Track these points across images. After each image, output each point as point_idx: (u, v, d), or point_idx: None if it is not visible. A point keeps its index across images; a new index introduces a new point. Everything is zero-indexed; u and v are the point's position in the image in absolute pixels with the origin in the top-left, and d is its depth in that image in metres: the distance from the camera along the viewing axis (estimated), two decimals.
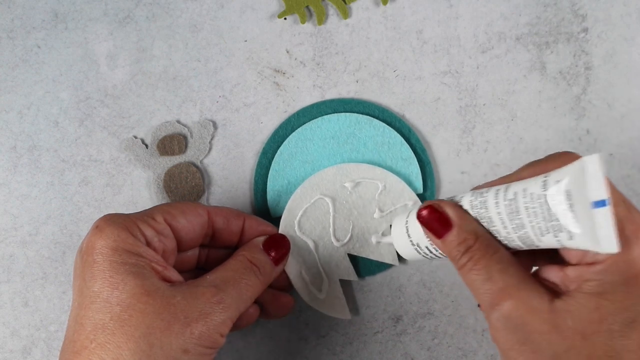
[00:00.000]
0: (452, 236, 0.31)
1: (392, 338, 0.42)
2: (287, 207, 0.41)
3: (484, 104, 0.43)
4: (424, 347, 0.42)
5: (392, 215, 0.41)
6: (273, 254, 0.37)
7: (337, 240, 0.41)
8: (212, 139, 0.43)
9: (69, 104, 0.43)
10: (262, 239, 0.38)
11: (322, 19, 0.43)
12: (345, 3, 0.43)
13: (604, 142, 0.43)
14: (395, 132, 0.42)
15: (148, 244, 0.33)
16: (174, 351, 0.30)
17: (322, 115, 0.42)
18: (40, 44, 0.43)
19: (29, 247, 0.42)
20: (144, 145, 0.42)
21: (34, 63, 0.43)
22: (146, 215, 0.33)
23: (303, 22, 0.43)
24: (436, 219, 0.31)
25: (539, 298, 0.28)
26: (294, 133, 0.42)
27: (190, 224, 0.35)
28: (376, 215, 0.41)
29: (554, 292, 0.29)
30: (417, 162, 0.42)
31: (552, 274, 0.30)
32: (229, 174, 0.43)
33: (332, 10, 0.43)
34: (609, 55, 0.43)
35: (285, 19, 0.43)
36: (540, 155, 0.42)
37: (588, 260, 0.28)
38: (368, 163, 0.42)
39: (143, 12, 0.43)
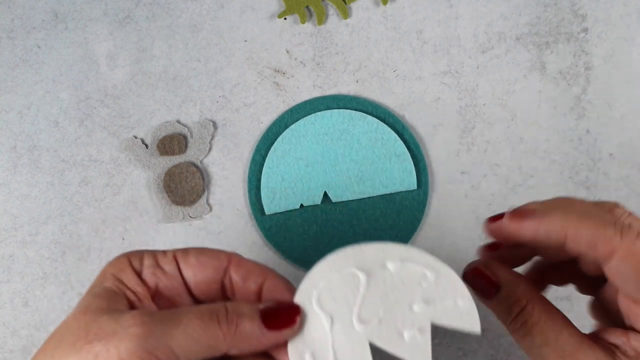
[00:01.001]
0: (501, 297, 0.29)
1: None
2: (309, 273, 0.32)
3: (484, 104, 0.43)
4: None
5: (436, 311, 0.31)
6: (270, 320, 0.30)
7: (361, 322, 0.31)
8: (212, 139, 0.43)
9: (69, 104, 0.43)
10: (266, 304, 0.31)
11: (322, 19, 0.43)
12: (345, 3, 0.43)
13: (604, 142, 0.43)
14: (389, 128, 0.42)
15: (139, 274, 0.31)
16: None
17: (316, 111, 0.43)
18: (40, 44, 0.43)
19: (29, 247, 0.42)
20: (144, 145, 0.42)
21: (34, 63, 0.43)
22: (161, 251, 0.31)
23: (303, 22, 0.43)
24: (483, 277, 0.30)
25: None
26: (287, 130, 0.42)
27: (201, 264, 0.31)
28: (416, 307, 0.31)
29: (613, 354, 0.28)
30: (410, 158, 0.42)
31: (614, 336, 0.29)
32: (228, 174, 0.43)
33: (332, 10, 0.43)
34: (609, 55, 0.43)
35: (285, 19, 0.43)
36: (540, 154, 0.43)
37: None
38: (363, 160, 0.42)
39: (143, 12, 0.43)
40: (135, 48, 0.43)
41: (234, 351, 0.28)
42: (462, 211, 0.43)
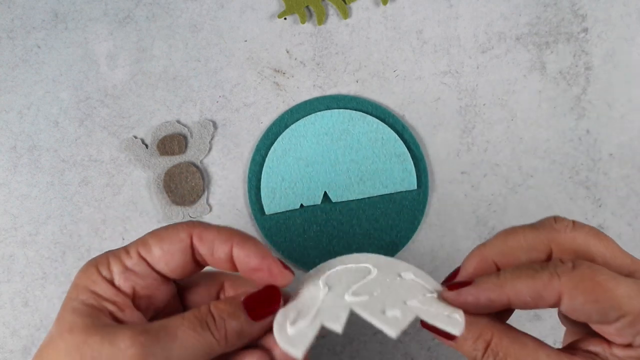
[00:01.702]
0: (463, 336, 0.28)
1: (392, 338, 0.42)
2: (333, 259, 0.33)
3: (484, 104, 0.43)
4: (424, 347, 0.42)
5: (427, 312, 0.30)
6: (254, 308, 0.30)
7: (353, 295, 0.31)
8: (212, 139, 0.43)
9: (69, 104, 0.43)
10: (247, 292, 0.31)
11: (322, 19, 0.43)
12: (345, 3, 0.43)
13: (604, 142, 0.43)
14: (389, 128, 0.42)
15: (113, 282, 0.30)
16: None
17: (316, 111, 0.43)
18: (40, 44, 0.43)
19: (29, 247, 0.42)
20: (144, 145, 0.42)
21: (34, 63, 0.43)
22: (123, 250, 0.31)
23: (303, 22, 0.43)
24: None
25: None
26: (287, 130, 0.42)
27: (168, 253, 0.30)
28: (410, 303, 0.30)
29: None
30: (410, 158, 0.42)
31: (592, 344, 0.28)
32: (228, 174, 0.43)
33: (332, 10, 0.43)
34: (609, 55, 0.43)
35: (285, 19, 0.43)
36: (540, 154, 0.43)
37: (637, 344, 0.27)
38: (363, 160, 0.42)
39: (143, 12, 0.43)
40: (135, 48, 0.43)
41: (228, 349, 0.29)
42: (462, 211, 0.43)
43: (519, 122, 0.43)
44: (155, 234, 0.31)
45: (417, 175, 0.42)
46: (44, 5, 0.43)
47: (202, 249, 0.31)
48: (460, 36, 0.43)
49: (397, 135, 0.42)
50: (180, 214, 0.42)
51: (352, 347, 0.42)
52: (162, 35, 0.43)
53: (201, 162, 0.42)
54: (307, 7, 0.43)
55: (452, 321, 0.28)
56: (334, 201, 0.42)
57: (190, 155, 0.42)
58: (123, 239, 0.42)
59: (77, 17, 0.43)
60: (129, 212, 0.42)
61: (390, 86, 0.43)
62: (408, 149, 0.42)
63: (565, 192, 0.43)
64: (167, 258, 0.31)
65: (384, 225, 0.42)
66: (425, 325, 0.29)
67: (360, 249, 0.42)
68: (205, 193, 0.42)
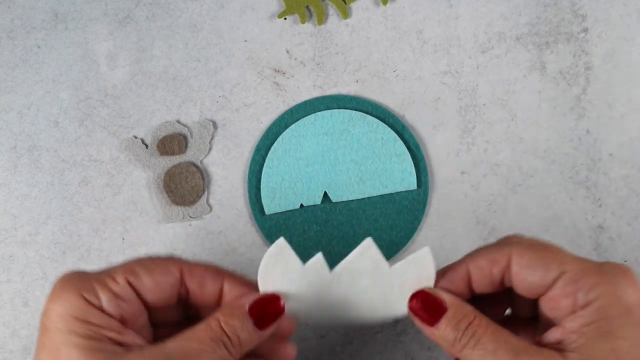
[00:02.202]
0: (449, 317, 0.31)
1: (392, 338, 0.42)
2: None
3: (484, 104, 0.43)
4: (424, 347, 0.42)
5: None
6: (260, 319, 0.31)
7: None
8: (212, 139, 0.43)
9: (69, 104, 0.43)
10: (250, 298, 0.31)
11: (322, 19, 0.43)
12: (345, 3, 0.43)
13: (604, 142, 0.43)
14: (389, 128, 0.42)
15: (102, 309, 0.30)
16: None
17: (316, 111, 0.43)
18: (40, 44, 0.43)
19: (29, 247, 0.42)
20: (144, 145, 0.42)
21: (34, 63, 0.43)
22: (107, 276, 0.30)
23: (303, 22, 0.43)
24: (430, 298, 0.31)
25: (550, 355, 0.28)
26: (287, 130, 0.42)
27: (157, 285, 0.31)
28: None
29: (561, 350, 0.29)
30: (410, 158, 0.42)
31: (552, 334, 0.30)
32: (229, 174, 0.43)
33: (332, 10, 0.43)
34: (609, 55, 0.43)
35: (285, 19, 0.43)
36: (540, 154, 0.43)
37: (580, 302, 0.29)
38: (363, 160, 0.42)
39: (143, 12, 0.43)
40: (135, 48, 0.43)
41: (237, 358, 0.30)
42: (462, 211, 0.43)
43: (519, 122, 0.43)
44: (144, 264, 0.31)
45: (417, 175, 0.42)
46: (44, 5, 0.43)
47: (193, 285, 0.32)
48: (460, 36, 0.43)
49: (397, 135, 0.42)
50: (180, 214, 0.42)
51: (352, 347, 0.42)
52: (162, 35, 0.43)
53: (201, 162, 0.42)
54: (307, 7, 0.43)
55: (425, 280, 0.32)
56: (334, 201, 0.42)
57: (190, 155, 0.42)
58: (123, 239, 0.42)
59: (77, 17, 0.43)
60: (129, 212, 0.42)
61: (390, 86, 0.43)
62: (408, 149, 0.42)
63: (565, 192, 0.43)
64: (155, 289, 0.31)
65: (384, 225, 0.42)
66: (412, 306, 0.32)
67: None
68: (205, 193, 0.42)
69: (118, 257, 0.42)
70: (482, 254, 0.32)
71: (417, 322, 0.32)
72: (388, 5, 0.43)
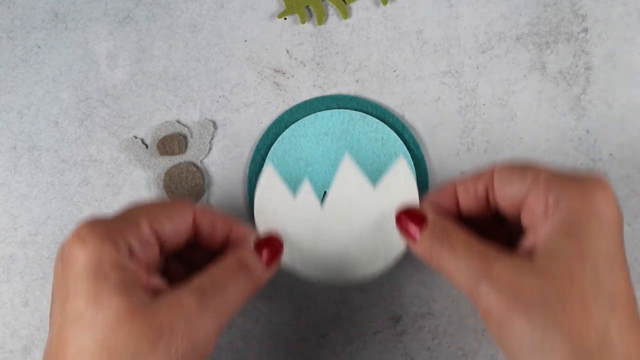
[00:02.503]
0: (428, 225, 0.34)
1: (392, 338, 0.42)
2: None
3: (484, 104, 0.43)
4: (424, 347, 0.42)
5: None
6: (265, 254, 0.35)
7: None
8: (212, 139, 0.43)
9: (69, 104, 0.43)
10: (254, 238, 0.35)
11: (322, 19, 0.43)
12: (345, 3, 0.43)
13: (604, 142, 0.43)
14: (389, 128, 0.42)
15: (132, 254, 0.31)
16: None
17: (316, 111, 0.43)
18: (40, 44, 0.43)
19: (29, 247, 0.42)
20: (144, 145, 0.42)
21: (34, 63, 0.43)
22: (131, 222, 0.31)
23: (303, 22, 0.43)
24: (412, 212, 0.35)
25: (520, 260, 0.30)
26: (287, 130, 0.42)
27: (176, 229, 0.33)
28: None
29: (533, 254, 0.31)
30: (411, 158, 0.42)
31: (526, 242, 0.31)
32: (229, 174, 0.43)
33: (332, 10, 0.43)
34: (609, 55, 0.43)
35: (285, 19, 0.43)
36: (540, 154, 0.43)
37: (551, 205, 0.31)
38: (363, 160, 0.42)
39: (143, 12, 0.43)
40: (135, 48, 0.43)
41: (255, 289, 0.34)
42: None
43: (519, 122, 0.43)
44: (162, 208, 0.33)
45: (417, 175, 0.42)
46: (44, 5, 0.43)
47: (205, 226, 0.34)
48: (460, 36, 0.43)
49: (397, 135, 0.42)
50: None
51: (352, 347, 0.42)
52: (162, 35, 0.43)
53: (201, 162, 0.43)
54: (307, 7, 0.43)
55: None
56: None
57: (190, 155, 0.42)
58: None
59: (77, 17, 0.43)
60: None
61: (390, 86, 0.43)
62: (408, 149, 0.42)
63: None
64: (174, 235, 0.33)
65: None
66: (397, 220, 0.36)
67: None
68: (206, 193, 0.42)
69: None
70: (469, 176, 0.35)
71: (403, 237, 0.36)
72: (388, 5, 0.43)
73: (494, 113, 0.43)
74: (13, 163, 0.42)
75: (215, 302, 0.31)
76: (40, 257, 0.42)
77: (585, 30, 0.43)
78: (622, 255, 0.30)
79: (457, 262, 0.32)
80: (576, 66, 0.43)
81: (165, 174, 0.42)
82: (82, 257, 0.29)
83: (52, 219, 0.42)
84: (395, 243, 0.39)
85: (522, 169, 0.33)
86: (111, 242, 0.30)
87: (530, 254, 0.31)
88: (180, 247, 0.34)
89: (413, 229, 0.35)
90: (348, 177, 0.39)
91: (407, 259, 0.43)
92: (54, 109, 0.43)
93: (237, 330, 0.42)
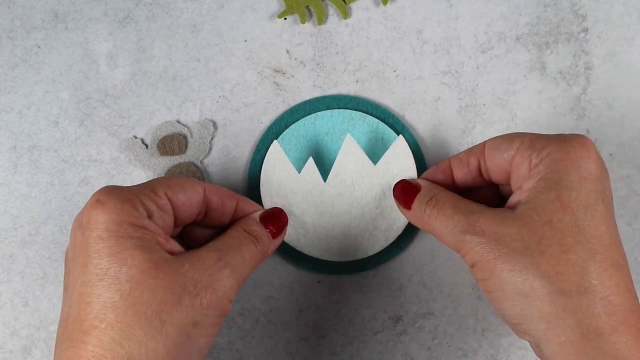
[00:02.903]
0: (421, 195, 0.36)
1: (392, 338, 0.42)
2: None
3: (484, 104, 0.43)
4: (424, 347, 0.42)
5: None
6: (270, 227, 0.37)
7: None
8: (212, 139, 0.43)
9: (69, 104, 0.43)
10: (258, 212, 0.37)
11: (322, 19, 0.43)
12: (345, 3, 0.43)
13: (604, 142, 0.43)
14: (389, 128, 0.42)
15: (150, 217, 0.32)
16: (185, 325, 0.29)
17: (316, 111, 0.42)
18: (40, 44, 0.43)
19: (29, 247, 0.42)
20: (144, 145, 0.42)
21: (34, 63, 0.43)
22: (148, 189, 0.33)
23: (303, 22, 0.43)
24: (407, 183, 0.38)
25: (503, 212, 0.32)
26: (287, 130, 0.42)
27: (189, 201, 0.34)
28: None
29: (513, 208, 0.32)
30: (413, 157, 0.42)
31: (512, 198, 0.33)
32: (229, 174, 0.43)
33: (332, 10, 0.43)
34: (609, 55, 0.43)
35: (285, 19, 0.43)
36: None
37: (534, 162, 0.32)
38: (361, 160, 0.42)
39: (143, 12, 0.43)
40: (135, 48, 0.43)
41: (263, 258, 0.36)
42: None
43: (519, 122, 0.43)
44: (175, 181, 0.34)
45: (417, 176, 0.42)
46: (44, 5, 0.43)
47: (215, 200, 0.36)
48: (460, 36, 0.43)
49: (397, 135, 0.42)
50: None
51: (352, 347, 0.42)
52: (162, 35, 0.43)
53: (201, 162, 0.42)
54: (307, 7, 0.43)
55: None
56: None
57: (190, 155, 0.42)
58: None
59: (77, 17, 0.43)
60: None
61: (390, 86, 0.43)
62: (409, 149, 0.42)
63: None
64: (187, 206, 0.34)
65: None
66: (394, 192, 0.39)
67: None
68: None
69: None
70: (463, 151, 0.37)
71: (399, 208, 0.39)
72: (388, 5, 0.43)
73: (494, 113, 0.43)
74: (13, 163, 0.42)
75: (234, 259, 0.32)
76: (40, 257, 0.42)
77: (585, 30, 0.43)
78: (605, 206, 0.31)
79: (445, 220, 0.34)
80: (576, 66, 0.43)
81: (165, 173, 0.42)
82: (102, 219, 0.30)
83: (52, 219, 0.42)
84: (396, 218, 0.41)
85: (510, 136, 0.34)
86: (131, 204, 0.31)
87: (514, 208, 0.32)
88: (191, 219, 0.36)
89: (407, 197, 0.37)
90: (350, 153, 0.41)
91: (407, 259, 0.43)
92: (54, 109, 0.43)
93: (237, 330, 0.42)
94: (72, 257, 0.31)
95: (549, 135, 0.33)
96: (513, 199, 0.33)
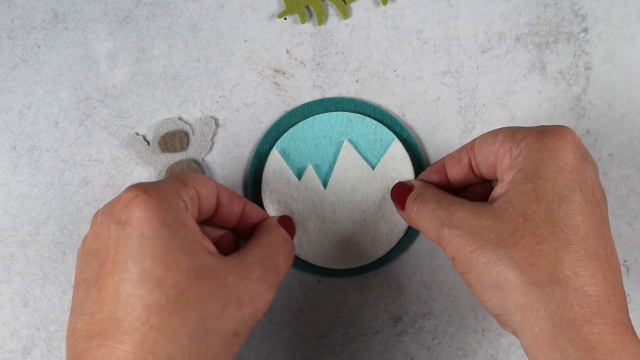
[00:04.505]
0: (412, 194, 0.37)
1: (392, 338, 0.42)
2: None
3: (484, 104, 0.43)
4: (424, 347, 0.42)
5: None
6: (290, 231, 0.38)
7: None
8: (213, 136, 0.43)
9: (69, 104, 0.43)
10: (275, 218, 0.38)
11: (322, 19, 0.43)
12: (345, 3, 0.43)
13: (604, 142, 0.43)
14: (388, 130, 0.42)
15: (192, 215, 0.32)
16: (227, 334, 0.30)
17: (314, 114, 0.42)
18: (40, 44, 0.43)
19: (29, 247, 0.42)
20: (146, 142, 0.42)
21: (34, 63, 0.43)
22: (179, 182, 0.32)
23: (303, 22, 0.43)
24: (401, 185, 0.39)
25: (481, 206, 0.32)
26: (286, 133, 0.42)
27: (208, 194, 0.34)
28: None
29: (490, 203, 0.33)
30: (410, 160, 0.42)
31: (495, 191, 0.33)
32: (229, 174, 0.43)
33: (332, 10, 0.43)
34: (609, 55, 0.43)
35: (285, 19, 0.43)
36: None
37: (515, 154, 0.32)
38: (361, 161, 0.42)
39: (143, 12, 0.43)
40: (135, 48, 0.43)
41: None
42: None
43: (519, 122, 0.43)
44: (196, 174, 0.34)
45: (414, 177, 0.42)
46: (44, 5, 0.43)
47: (225, 200, 0.36)
48: (460, 36, 0.43)
49: (396, 137, 0.42)
50: None
51: (352, 347, 0.42)
52: (162, 35, 0.43)
53: (202, 159, 0.42)
54: (307, 7, 0.43)
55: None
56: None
57: (191, 152, 0.42)
58: None
59: (77, 17, 0.43)
60: None
61: (390, 86, 0.43)
62: (407, 150, 0.42)
63: None
64: (208, 199, 0.34)
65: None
66: (391, 195, 0.40)
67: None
68: None
69: None
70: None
71: (396, 209, 0.40)
72: (388, 5, 0.43)
73: (494, 113, 0.43)
74: (13, 163, 0.42)
75: (273, 276, 0.33)
76: (40, 257, 0.42)
77: (585, 30, 0.43)
78: (583, 197, 0.31)
79: (428, 215, 0.34)
80: (576, 66, 0.43)
81: (167, 170, 0.42)
82: (145, 216, 0.29)
83: (52, 219, 0.42)
84: (397, 221, 0.41)
85: (496, 130, 0.35)
86: (171, 199, 0.30)
87: (495, 200, 0.32)
88: (208, 214, 0.35)
89: (401, 198, 0.38)
90: (348, 160, 0.41)
91: (407, 259, 0.43)
92: (54, 109, 0.43)
93: None
94: (102, 251, 0.30)
95: (532, 127, 0.33)
96: (495, 192, 0.33)
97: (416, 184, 0.39)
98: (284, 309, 0.42)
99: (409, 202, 0.37)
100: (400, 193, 0.39)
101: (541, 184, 0.31)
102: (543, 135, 0.32)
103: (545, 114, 0.43)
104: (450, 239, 0.32)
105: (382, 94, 0.43)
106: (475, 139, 0.36)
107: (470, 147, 0.37)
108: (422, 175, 0.40)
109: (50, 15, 0.43)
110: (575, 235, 0.30)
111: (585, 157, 0.32)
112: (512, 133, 0.33)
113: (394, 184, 0.40)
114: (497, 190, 0.33)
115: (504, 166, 0.33)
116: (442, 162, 0.39)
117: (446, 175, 0.38)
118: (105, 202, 0.42)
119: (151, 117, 0.43)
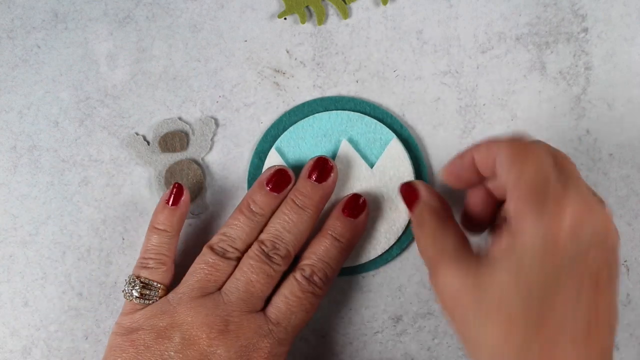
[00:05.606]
0: (417, 208, 0.37)
1: (392, 338, 0.42)
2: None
3: (484, 104, 0.43)
4: (424, 347, 0.42)
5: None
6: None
7: None
8: (214, 136, 0.43)
9: (69, 104, 0.43)
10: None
11: (322, 19, 0.43)
12: (345, 3, 0.43)
13: (604, 142, 0.43)
14: (387, 128, 0.42)
15: None
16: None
17: (314, 113, 0.42)
18: (40, 44, 0.43)
19: (29, 247, 0.42)
20: (146, 142, 0.42)
21: (34, 63, 0.43)
22: None
23: (303, 22, 0.43)
24: (410, 187, 0.38)
25: (466, 269, 0.31)
26: (285, 132, 0.42)
27: None
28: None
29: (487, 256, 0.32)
30: (409, 159, 0.42)
31: (500, 243, 0.32)
32: (229, 174, 0.43)
33: (332, 10, 0.43)
34: (609, 55, 0.43)
35: (285, 19, 0.43)
36: None
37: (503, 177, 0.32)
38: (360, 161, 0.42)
39: (143, 12, 0.43)
40: (135, 48, 0.43)
41: None
42: None
43: (518, 122, 0.43)
44: None
45: (416, 176, 0.42)
46: (44, 5, 0.43)
47: None
48: (460, 36, 0.43)
49: (395, 136, 0.42)
50: None
51: (352, 347, 0.42)
52: (162, 35, 0.43)
53: (203, 159, 0.42)
54: (307, 7, 0.43)
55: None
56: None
57: (191, 152, 0.42)
58: (123, 239, 0.42)
59: (77, 17, 0.43)
60: (129, 212, 0.42)
61: (390, 86, 0.43)
62: (407, 150, 0.42)
63: None
64: None
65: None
66: (400, 192, 0.38)
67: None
68: (206, 190, 0.42)
69: (118, 257, 0.42)
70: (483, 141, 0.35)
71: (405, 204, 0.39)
72: (388, 5, 0.43)
73: (494, 113, 0.43)
74: (13, 163, 0.42)
75: None
76: (40, 257, 0.42)
77: (585, 30, 0.43)
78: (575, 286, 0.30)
79: (421, 244, 0.35)
80: (576, 66, 0.43)
81: (167, 170, 0.42)
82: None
83: (52, 219, 0.42)
84: (395, 219, 0.42)
85: (495, 142, 0.34)
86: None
87: (479, 254, 0.32)
88: None
89: (409, 204, 0.38)
90: (347, 159, 0.42)
91: (407, 259, 0.43)
92: (54, 109, 0.43)
93: None
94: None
95: (518, 142, 0.33)
96: (496, 244, 0.32)
97: (422, 194, 0.37)
98: None
99: (412, 217, 0.37)
100: (408, 198, 0.38)
101: (525, 275, 0.30)
102: (517, 158, 0.32)
103: (545, 114, 0.43)
104: (437, 291, 0.33)
105: (382, 94, 0.43)
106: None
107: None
108: (450, 167, 0.37)
109: (50, 15, 0.43)
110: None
111: (536, 165, 0.32)
112: (507, 153, 0.32)
113: (393, 182, 0.41)
114: (498, 244, 0.32)
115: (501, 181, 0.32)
116: (470, 154, 0.35)
117: (476, 168, 0.35)
118: (105, 202, 0.42)
119: (151, 117, 0.43)
